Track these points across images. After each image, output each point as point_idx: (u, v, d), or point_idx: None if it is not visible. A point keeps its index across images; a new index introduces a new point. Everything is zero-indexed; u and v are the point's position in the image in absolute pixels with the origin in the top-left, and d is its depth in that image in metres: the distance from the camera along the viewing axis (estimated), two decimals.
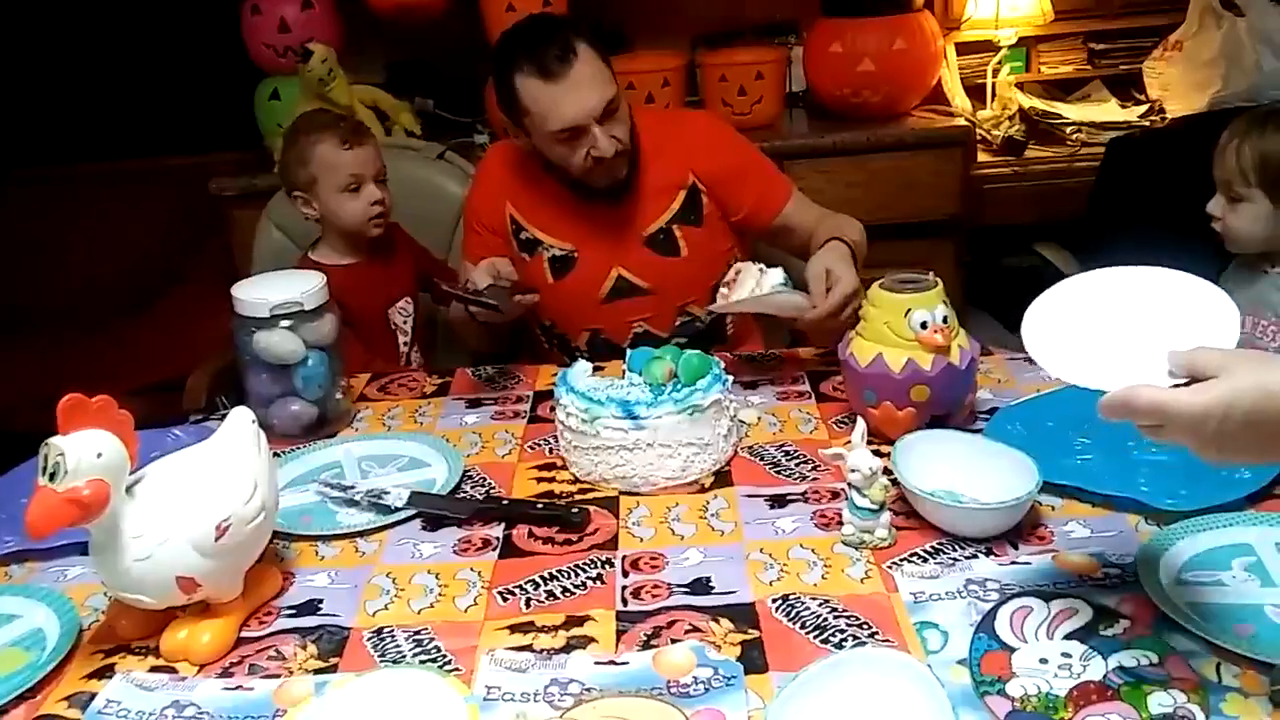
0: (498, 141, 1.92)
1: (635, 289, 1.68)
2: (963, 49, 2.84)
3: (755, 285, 1.42)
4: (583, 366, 1.35)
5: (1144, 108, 2.73)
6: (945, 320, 1.26)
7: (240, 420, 1.06)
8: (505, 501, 1.22)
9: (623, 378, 1.33)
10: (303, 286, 1.39)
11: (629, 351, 1.35)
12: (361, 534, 1.18)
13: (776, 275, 1.43)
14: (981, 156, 2.64)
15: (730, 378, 1.30)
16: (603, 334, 1.71)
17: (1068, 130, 2.67)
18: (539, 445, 1.37)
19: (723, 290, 1.48)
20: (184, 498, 0.98)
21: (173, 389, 1.94)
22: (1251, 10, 2.56)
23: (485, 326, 1.57)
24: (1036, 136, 2.67)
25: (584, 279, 1.68)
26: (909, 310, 1.25)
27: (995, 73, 2.81)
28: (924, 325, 1.25)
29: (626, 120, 1.57)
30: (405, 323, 1.86)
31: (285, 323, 1.38)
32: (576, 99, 1.48)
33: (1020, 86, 2.84)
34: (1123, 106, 2.79)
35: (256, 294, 1.38)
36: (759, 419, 1.39)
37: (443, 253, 2.03)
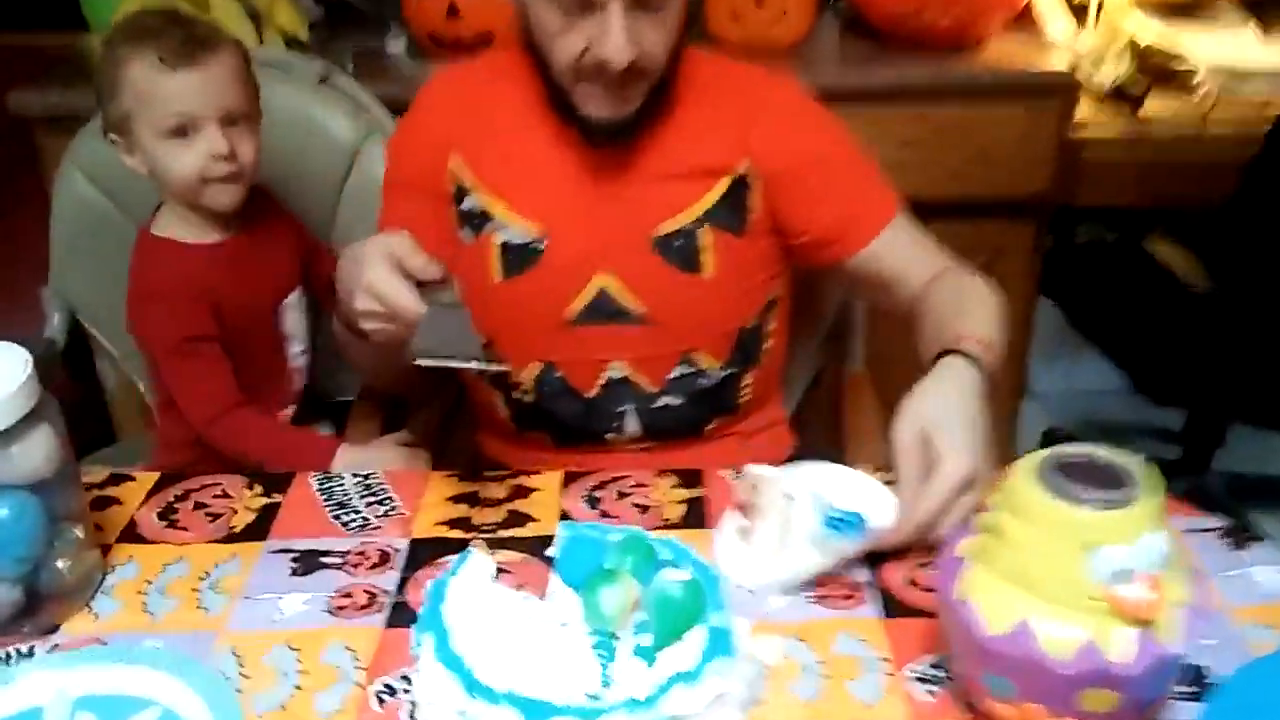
0: (449, 66, 1.25)
1: (623, 312, 1.10)
2: None
3: (784, 527, 0.83)
4: (479, 565, 0.75)
5: None
6: (1160, 563, 0.66)
7: None
8: None
9: (543, 598, 0.74)
10: None
11: (558, 552, 0.75)
12: None
13: (812, 510, 0.83)
14: (1082, 111, 1.98)
15: (746, 623, 0.71)
16: (558, 371, 1.13)
17: (1191, 78, 2.00)
18: (390, 694, 0.78)
19: (737, 519, 0.91)
20: None
21: None
22: None
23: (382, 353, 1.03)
24: (1160, 79, 1.99)
25: (549, 284, 1.10)
26: (1093, 545, 0.65)
27: None
28: (1121, 576, 0.65)
29: (666, 33, 1.01)
30: (297, 324, 1.33)
31: None
32: None
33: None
34: (1265, 33, 2.08)
35: None
36: (785, 658, 0.79)
37: (322, 227, 1.41)
